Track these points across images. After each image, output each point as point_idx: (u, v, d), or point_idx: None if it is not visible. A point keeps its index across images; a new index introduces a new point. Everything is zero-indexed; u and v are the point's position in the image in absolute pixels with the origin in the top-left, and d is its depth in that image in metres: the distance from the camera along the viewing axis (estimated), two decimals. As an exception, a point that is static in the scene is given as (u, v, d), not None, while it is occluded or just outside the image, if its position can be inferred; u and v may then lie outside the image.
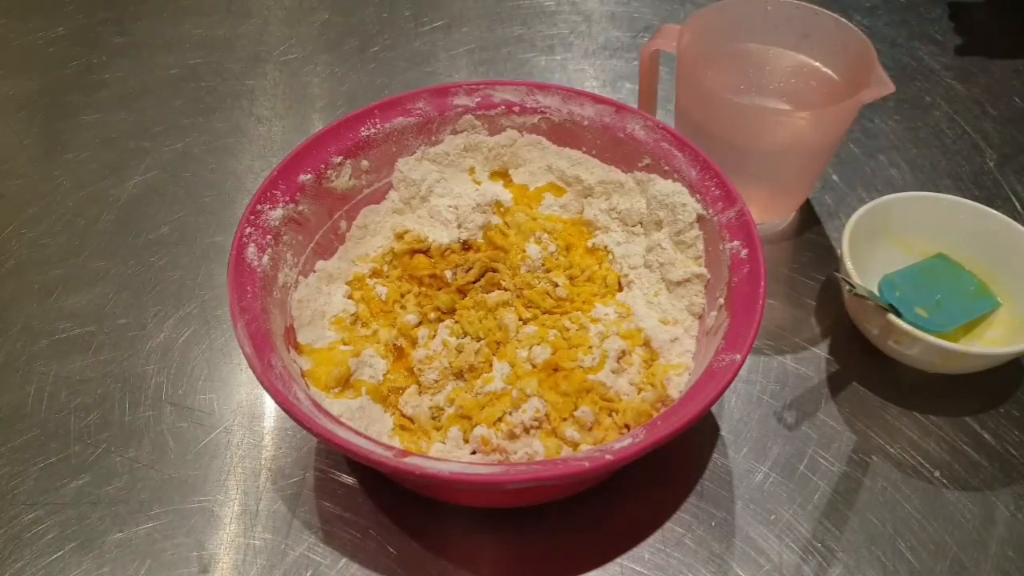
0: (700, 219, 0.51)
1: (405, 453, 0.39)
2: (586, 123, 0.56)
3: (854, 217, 0.53)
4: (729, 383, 0.40)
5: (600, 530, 0.46)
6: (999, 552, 0.46)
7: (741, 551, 0.46)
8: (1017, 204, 0.65)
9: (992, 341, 0.53)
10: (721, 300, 0.47)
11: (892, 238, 0.57)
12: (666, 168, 0.53)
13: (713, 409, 0.51)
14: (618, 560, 0.45)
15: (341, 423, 0.41)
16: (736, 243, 0.47)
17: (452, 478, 0.37)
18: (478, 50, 0.79)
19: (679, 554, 0.45)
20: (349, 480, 0.48)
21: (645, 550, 0.46)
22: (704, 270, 0.50)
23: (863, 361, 0.54)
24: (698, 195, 0.51)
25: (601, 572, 0.45)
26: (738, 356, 0.41)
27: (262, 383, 0.40)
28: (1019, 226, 0.54)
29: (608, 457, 0.38)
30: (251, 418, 0.51)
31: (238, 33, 0.82)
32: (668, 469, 0.49)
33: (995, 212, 0.55)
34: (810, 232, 0.63)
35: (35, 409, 0.52)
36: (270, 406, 0.52)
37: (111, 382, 0.53)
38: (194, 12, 0.84)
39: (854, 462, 0.50)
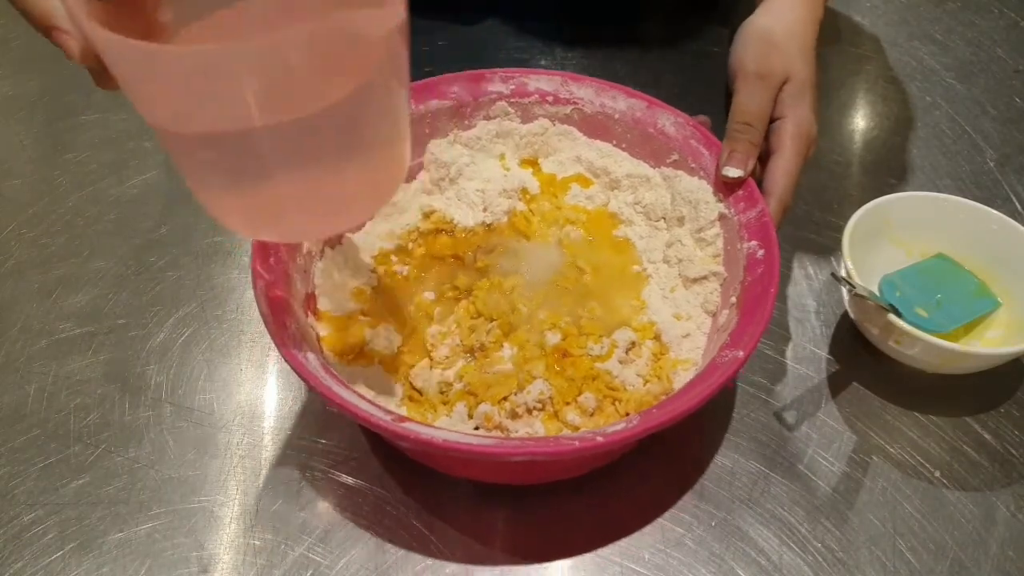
0: (721, 217, 0.51)
1: (403, 419, 0.40)
2: (617, 116, 0.57)
3: (854, 217, 0.53)
4: (729, 378, 0.41)
5: (599, 529, 0.46)
6: (999, 552, 0.46)
7: (741, 551, 0.46)
8: (1017, 204, 0.65)
9: (992, 341, 0.53)
10: (734, 299, 0.47)
11: (892, 238, 0.57)
12: (693, 165, 0.53)
13: (713, 409, 0.51)
14: (618, 560, 0.45)
15: (347, 386, 0.42)
16: (754, 243, 0.48)
17: (446, 446, 0.38)
18: (478, 50, 0.79)
19: (679, 554, 0.45)
20: (349, 480, 0.48)
21: (645, 550, 0.45)
22: (722, 268, 0.50)
23: (863, 361, 0.54)
24: (721, 193, 0.51)
25: (600, 572, 0.45)
26: (741, 353, 0.41)
27: (275, 342, 0.42)
28: (1019, 226, 0.54)
29: (599, 439, 0.38)
30: (251, 418, 0.51)
31: (238, 33, 0.82)
32: (668, 468, 0.49)
33: (995, 212, 0.55)
34: (810, 232, 0.63)
35: (35, 409, 0.52)
36: (270, 406, 0.52)
37: (111, 382, 0.53)
38: (194, 12, 0.84)
39: (854, 462, 0.49)
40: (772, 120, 0.54)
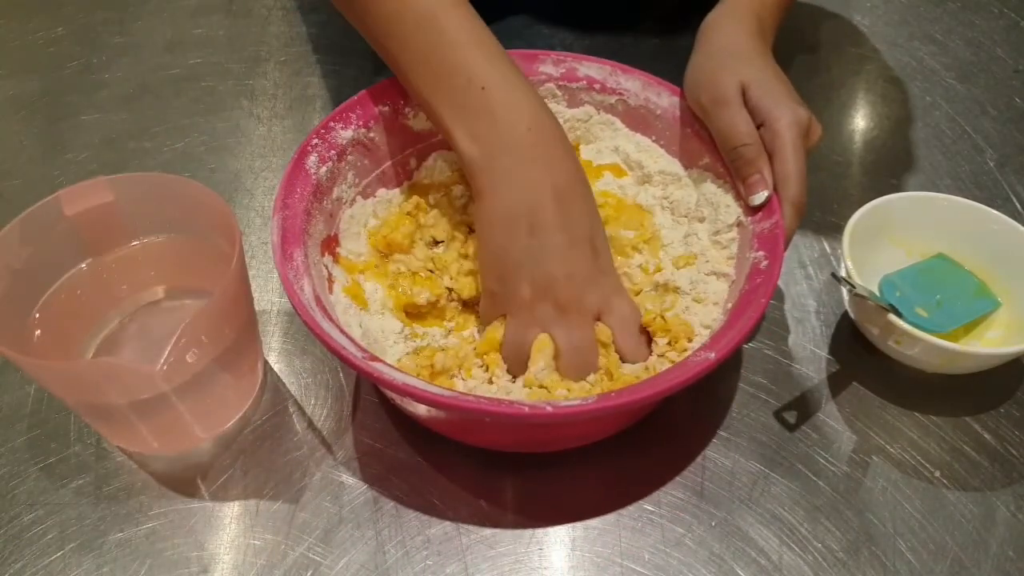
0: (739, 224, 0.51)
1: (373, 358, 0.41)
2: (659, 112, 0.57)
3: (854, 217, 0.53)
4: (695, 377, 0.41)
5: (599, 529, 0.46)
6: (999, 552, 0.46)
7: (741, 551, 0.46)
8: (1017, 204, 0.65)
9: (992, 341, 0.53)
10: (730, 304, 0.47)
11: (892, 238, 0.57)
12: (721, 170, 0.53)
13: (712, 409, 0.52)
14: (618, 560, 0.45)
15: (332, 320, 0.44)
16: (761, 253, 0.48)
17: (404, 388, 0.40)
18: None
19: (679, 554, 0.45)
20: (349, 480, 0.48)
21: (645, 550, 0.46)
22: (732, 271, 0.50)
23: (863, 361, 0.54)
24: (742, 201, 0.51)
25: (601, 572, 0.45)
26: (713, 355, 0.42)
27: (278, 270, 0.44)
28: (1019, 226, 0.54)
29: (548, 409, 0.39)
30: (251, 418, 0.51)
31: (238, 33, 0.82)
32: (668, 468, 0.49)
33: (995, 212, 0.55)
34: (810, 232, 0.63)
35: (35, 409, 0.52)
36: (269, 406, 0.52)
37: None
38: (194, 12, 0.84)
39: (854, 462, 0.49)
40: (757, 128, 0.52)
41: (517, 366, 0.48)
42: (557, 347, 0.47)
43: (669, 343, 0.48)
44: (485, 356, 0.48)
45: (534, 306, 0.46)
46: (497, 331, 0.48)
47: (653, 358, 0.48)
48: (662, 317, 0.49)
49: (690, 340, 0.48)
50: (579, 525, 0.47)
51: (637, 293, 0.52)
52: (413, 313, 0.52)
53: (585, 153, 0.60)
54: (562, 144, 0.48)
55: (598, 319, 0.48)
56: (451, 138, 0.48)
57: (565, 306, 0.46)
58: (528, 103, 0.48)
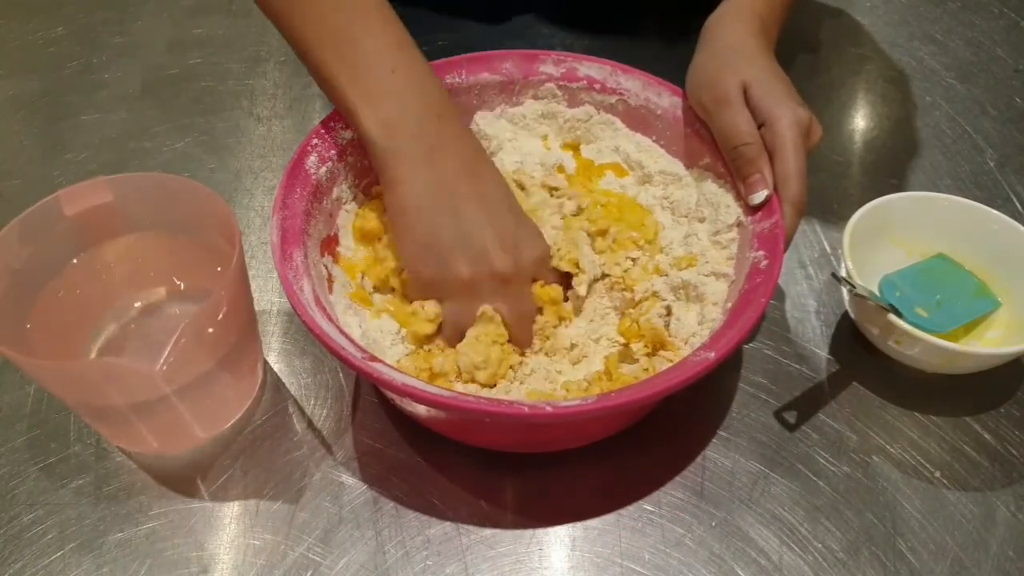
0: (739, 224, 0.51)
1: (373, 359, 0.41)
2: (659, 112, 0.57)
3: (854, 217, 0.53)
4: (694, 377, 0.41)
5: (599, 529, 0.46)
6: (999, 552, 0.46)
7: (741, 551, 0.46)
8: (1017, 204, 0.65)
9: (992, 341, 0.53)
10: (729, 304, 0.47)
11: (892, 238, 0.57)
12: (721, 170, 0.53)
13: (712, 409, 0.52)
14: (618, 560, 0.45)
15: (331, 320, 0.44)
16: (761, 253, 0.48)
17: (404, 389, 0.40)
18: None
19: (679, 554, 0.45)
20: (349, 480, 0.48)
21: (645, 550, 0.46)
22: (732, 271, 0.50)
23: (863, 361, 0.54)
24: (742, 201, 0.51)
25: (601, 572, 0.45)
26: (712, 355, 0.42)
27: (277, 270, 0.44)
28: (1019, 226, 0.54)
29: (548, 409, 0.39)
30: (251, 419, 0.51)
31: (238, 33, 0.82)
32: (668, 468, 0.49)
33: (995, 212, 0.55)
34: (810, 232, 0.63)
35: (35, 409, 0.52)
36: (269, 407, 0.52)
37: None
38: (194, 12, 0.84)
39: (854, 462, 0.49)
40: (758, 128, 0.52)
41: (455, 340, 0.48)
42: (506, 321, 0.47)
43: (646, 346, 0.49)
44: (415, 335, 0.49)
45: (474, 284, 0.47)
46: (424, 317, 0.49)
47: (644, 360, 0.48)
48: (636, 324, 0.49)
49: (664, 347, 0.48)
50: (579, 525, 0.47)
51: (632, 289, 0.51)
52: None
53: (585, 153, 0.60)
54: (459, 121, 0.49)
55: (535, 279, 0.49)
56: (355, 119, 0.48)
57: (505, 277, 0.47)
58: (435, 88, 0.49)
